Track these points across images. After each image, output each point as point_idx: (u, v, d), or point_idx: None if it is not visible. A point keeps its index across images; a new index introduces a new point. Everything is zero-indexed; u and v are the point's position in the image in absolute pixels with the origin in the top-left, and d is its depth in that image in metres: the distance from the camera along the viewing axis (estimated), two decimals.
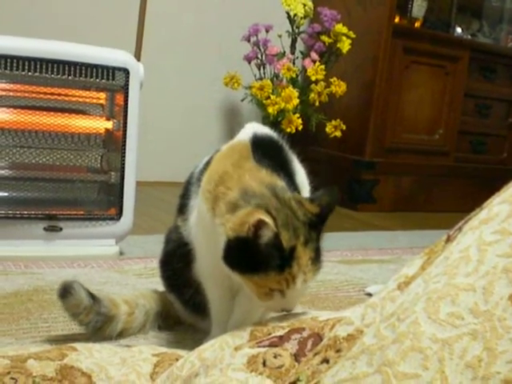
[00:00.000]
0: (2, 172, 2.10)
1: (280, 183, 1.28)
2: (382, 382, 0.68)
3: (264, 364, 1.05)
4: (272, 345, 1.09)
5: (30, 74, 2.02)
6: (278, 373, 1.03)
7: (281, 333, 1.12)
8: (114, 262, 2.11)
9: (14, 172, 2.13)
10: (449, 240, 0.89)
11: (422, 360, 0.68)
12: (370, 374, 0.71)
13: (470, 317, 0.70)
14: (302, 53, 3.84)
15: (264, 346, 1.09)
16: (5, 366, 1.05)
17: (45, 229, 2.08)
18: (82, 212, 2.20)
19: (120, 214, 2.18)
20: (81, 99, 2.19)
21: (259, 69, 3.74)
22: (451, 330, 0.70)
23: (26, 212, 2.08)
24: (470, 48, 4.13)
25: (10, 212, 2.05)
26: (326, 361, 0.85)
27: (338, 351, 0.86)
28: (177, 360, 1.19)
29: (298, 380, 0.84)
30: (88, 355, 1.16)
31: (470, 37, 4.44)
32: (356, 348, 0.78)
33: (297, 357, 1.06)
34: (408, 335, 0.71)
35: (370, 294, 2.04)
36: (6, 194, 2.12)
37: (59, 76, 2.06)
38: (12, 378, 1.03)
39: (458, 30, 4.37)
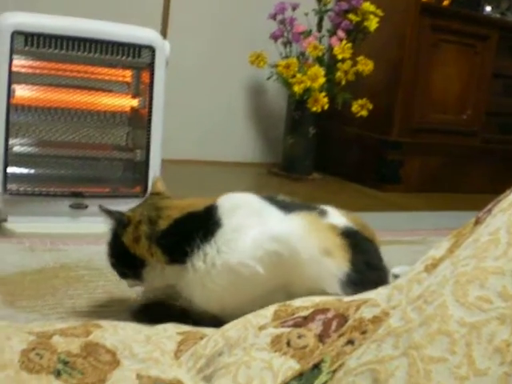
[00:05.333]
0: (29, 149, 2.11)
1: None
2: (408, 365, 0.68)
3: (288, 344, 1.05)
4: (296, 325, 1.09)
5: (56, 51, 2.02)
6: (302, 353, 1.03)
7: (305, 313, 1.12)
8: None
9: (41, 149, 2.13)
10: (478, 222, 0.88)
11: (449, 344, 0.68)
12: (395, 357, 0.70)
13: (498, 300, 0.69)
14: (328, 31, 3.80)
15: (288, 326, 1.09)
16: (30, 342, 1.05)
17: (71, 206, 2.09)
18: (107, 190, 2.21)
19: (145, 191, 2.18)
20: (107, 77, 2.19)
21: (285, 47, 3.72)
22: (479, 314, 0.69)
23: (52, 189, 2.08)
24: (499, 27, 4.06)
25: (37, 189, 2.06)
26: (350, 342, 0.85)
27: (363, 333, 0.85)
28: (201, 338, 1.19)
29: (323, 361, 0.84)
30: (113, 332, 1.17)
31: (499, 16, 4.37)
32: (382, 330, 0.77)
33: (321, 337, 1.05)
34: (435, 318, 0.70)
35: (395, 275, 2.02)
36: (32, 171, 2.13)
37: (85, 54, 2.06)
38: (37, 354, 1.03)
39: (488, 8, 4.31)
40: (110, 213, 1.44)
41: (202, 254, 1.33)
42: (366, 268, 1.38)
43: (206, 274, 1.33)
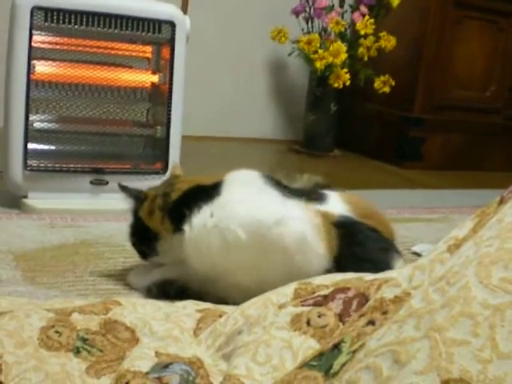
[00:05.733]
0: (49, 125, 2.10)
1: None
2: (430, 347, 0.66)
3: (308, 323, 1.04)
4: (316, 304, 1.08)
5: (75, 27, 2.01)
6: (322, 332, 1.02)
7: (325, 292, 1.11)
8: None
9: (61, 125, 2.13)
10: (502, 202, 0.87)
11: (472, 326, 0.66)
12: (417, 339, 0.69)
13: None
14: (351, 6, 3.76)
15: (308, 305, 1.08)
16: (49, 319, 1.05)
17: (91, 182, 2.09)
18: (128, 166, 2.21)
19: (166, 168, 2.17)
20: (127, 53, 2.18)
21: (307, 22, 3.69)
22: (503, 296, 0.67)
23: (72, 165, 2.09)
24: None
25: (57, 165, 2.06)
26: (371, 323, 0.84)
27: (384, 313, 0.84)
28: (220, 316, 1.19)
29: (343, 341, 0.83)
30: (132, 310, 1.17)
31: None
32: (403, 311, 0.76)
33: (341, 317, 1.04)
34: (458, 300, 0.69)
35: (416, 253, 2.01)
36: (53, 148, 2.13)
37: (105, 29, 2.05)
38: (56, 332, 1.03)
39: None
40: (128, 190, 1.51)
41: (198, 217, 1.39)
42: (356, 260, 1.38)
43: (199, 235, 1.39)
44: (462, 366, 0.64)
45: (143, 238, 1.49)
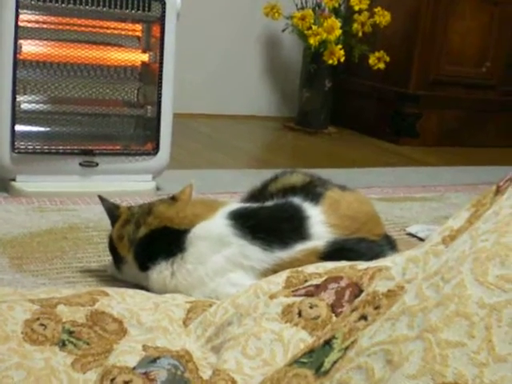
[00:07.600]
0: (37, 106, 2.06)
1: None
2: (424, 350, 0.64)
3: (299, 314, 1.02)
4: (308, 294, 1.06)
5: (63, 5, 1.97)
6: (314, 324, 1.00)
7: (317, 281, 1.09)
8: (151, 197, 2.07)
9: (49, 106, 2.09)
10: (498, 192, 0.84)
11: (467, 327, 0.63)
12: (410, 339, 0.66)
13: None
14: None
15: (300, 295, 1.06)
16: (34, 311, 1.03)
17: (80, 164, 2.06)
18: (118, 147, 2.17)
19: (157, 148, 2.14)
20: (116, 31, 2.15)
21: None
22: (500, 295, 0.64)
23: (61, 147, 2.05)
24: None
25: (46, 147, 2.03)
26: (363, 317, 0.81)
27: (376, 308, 0.81)
28: (210, 306, 1.17)
29: (334, 337, 0.80)
30: (120, 300, 1.14)
31: None
32: (396, 308, 0.73)
33: (334, 307, 1.02)
34: (453, 298, 0.66)
35: (411, 234, 1.99)
36: (41, 129, 2.09)
37: (94, 8, 2.01)
38: (41, 325, 1.01)
39: None
40: (104, 202, 1.47)
41: (158, 269, 1.36)
42: None
43: (158, 288, 1.35)
44: (457, 369, 0.61)
45: (113, 253, 1.44)
